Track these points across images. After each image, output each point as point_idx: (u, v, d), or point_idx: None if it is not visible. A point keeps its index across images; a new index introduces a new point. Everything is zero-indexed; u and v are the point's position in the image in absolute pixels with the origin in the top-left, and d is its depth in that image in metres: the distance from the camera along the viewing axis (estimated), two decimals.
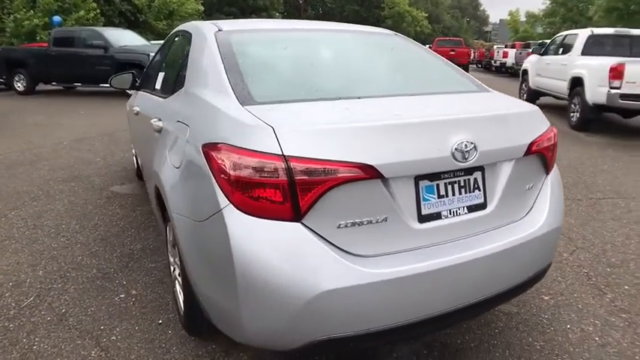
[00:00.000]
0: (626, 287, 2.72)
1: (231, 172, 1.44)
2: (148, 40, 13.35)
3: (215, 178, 1.51)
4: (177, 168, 1.81)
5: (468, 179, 1.71)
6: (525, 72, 10.47)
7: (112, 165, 5.09)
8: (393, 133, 1.53)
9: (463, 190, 1.70)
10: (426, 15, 55.59)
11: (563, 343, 2.21)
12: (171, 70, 2.74)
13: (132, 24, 22.67)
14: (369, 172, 1.45)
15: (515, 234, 1.79)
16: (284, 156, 1.40)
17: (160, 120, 2.24)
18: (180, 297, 2.08)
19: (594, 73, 6.90)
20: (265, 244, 1.43)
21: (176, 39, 2.88)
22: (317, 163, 1.40)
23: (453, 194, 1.68)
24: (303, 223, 1.43)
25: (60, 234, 3.28)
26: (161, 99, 2.48)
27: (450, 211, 1.67)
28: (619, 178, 4.94)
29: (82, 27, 14.43)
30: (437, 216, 1.64)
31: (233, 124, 1.55)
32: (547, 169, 1.97)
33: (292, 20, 2.91)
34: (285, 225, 1.43)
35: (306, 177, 1.40)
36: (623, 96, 6.33)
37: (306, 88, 1.92)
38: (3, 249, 3.03)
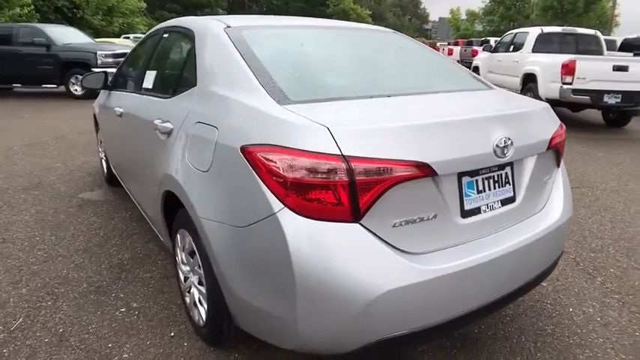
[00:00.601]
0: (612, 270, 2.90)
1: (287, 175, 1.38)
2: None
3: (264, 181, 1.44)
4: (205, 172, 1.69)
5: (501, 174, 1.75)
6: (477, 69, 10.93)
7: (74, 170, 4.75)
8: (443, 131, 1.55)
9: (497, 184, 1.74)
10: (370, 13, 56.73)
11: (570, 325, 2.32)
12: (167, 69, 2.59)
13: (68, 20, 21.31)
14: (424, 171, 1.45)
15: (540, 225, 1.86)
16: (344, 156, 1.36)
17: (166, 121, 2.10)
18: (201, 307, 1.97)
19: (547, 69, 7.31)
20: (324, 247, 1.39)
21: (165, 35, 2.71)
22: (376, 163, 1.38)
23: (489, 189, 1.71)
24: (361, 224, 1.40)
25: (35, 247, 3.01)
26: (160, 99, 2.32)
27: (487, 205, 1.71)
28: (580, 169, 5.27)
29: (21, 24, 13.33)
30: (477, 211, 1.67)
31: (280, 124, 1.49)
32: (558, 163, 2.06)
33: (291, 17, 2.82)
34: (344, 226, 1.39)
35: (366, 177, 1.38)
36: (575, 91, 6.75)
37: (335, 86, 1.88)
38: None
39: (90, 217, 3.52)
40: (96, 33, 19.79)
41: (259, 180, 1.45)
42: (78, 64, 9.70)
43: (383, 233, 1.43)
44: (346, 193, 1.37)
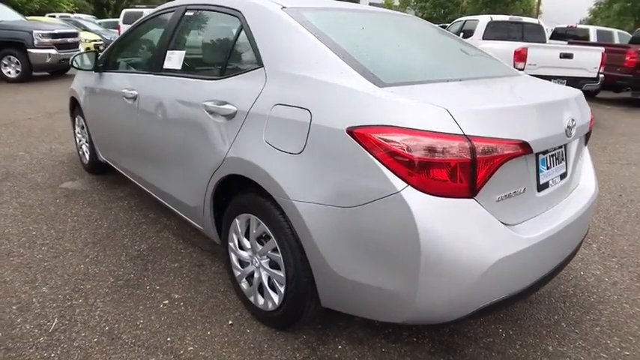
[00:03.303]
0: (601, 237, 3.22)
1: (412, 154, 1.41)
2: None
3: (381, 161, 1.45)
4: (297, 154, 1.65)
5: (560, 152, 1.90)
6: None
7: (42, 159, 4.33)
8: (534, 113, 1.67)
9: (557, 161, 1.89)
10: None
11: (586, 286, 2.56)
12: (205, 50, 2.44)
13: None
14: (525, 149, 1.56)
15: (582, 198, 2.04)
16: (466, 136, 1.42)
17: (223, 103, 1.98)
18: (271, 291, 1.93)
19: (500, 56, 7.74)
20: (447, 221, 1.44)
21: (190, 14, 2.51)
22: (492, 142, 1.46)
23: (553, 165, 1.85)
24: (475, 199, 1.47)
25: (36, 242, 2.74)
26: (204, 81, 2.18)
27: (552, 180, 1.84)
28: None
29: None
30: (547, 185, 1.80)
31: (393, 106, 1.50)
32: (587, 142, 2.26)
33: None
34: (463, 202, 1.46)
35: (484, 155, 1.44)
36: None
37: (413, 70, 1.91)
38: None
39: (84, 208, 3.26)
40: (19, 10, 17.80)
41: (375, 160, 1.46)
42: (11, 44, 8.73)
43: (490, 207, 1.51)
44: (467, 170, 1.43)
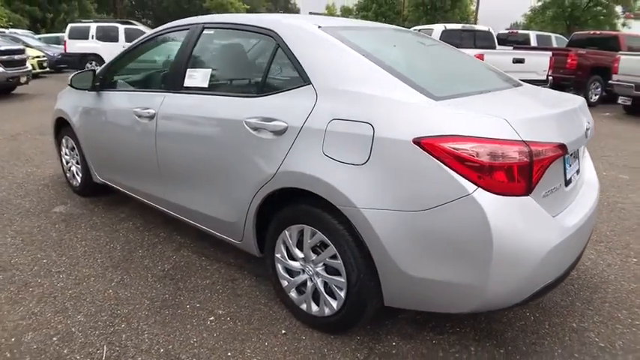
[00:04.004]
0: None
1: (481, 159, 1.57)
2: None
3: (451, 167, 1.59)
4: (361, 165, 1.74)
5: (577, 151, 2.14)
6: None
7: (22, 184, 4.09)
8: (565, 119, 1.90)
9: (575, 159, 2.14)
10: (248, 7, 56.20)
11: (587, 269, 2.83)
12: (236, 68, 2.47)
13: None
14: (564, 150, 1.77)
15: (594, 189, 2.29)
16: (524, 141, 1.60)
17: (270, 120, 2.03)
18: (329, 297, 2.00)
19: None
20: (511, 217, 1.61)
21: (209, 32, 2.52)
22: (543, 146, 1.66)
23: (572, 163, 2.09)
24: (531, 196, 1.66)
25: (51, 270, 2.62)
26: (240, 98, 2.22)
27: (572, 176, 2.07)
28: None
29: None
30: (570, 180, 2.03)
31: (456, 117, 1.67)
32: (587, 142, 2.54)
33: (345, 19, 2.83)
34: (522, 199, 1.63)
35: (538, 157, 1.63)
36: None
37: (451, 84, 2.07)
38: None
39: (89, 232, 3.14)
40: None
41: (444, 166, 1.60)
42: None
43: (540, 202, 1.70)
44: (525, 171, 1.62)
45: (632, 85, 7.99)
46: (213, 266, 2.73)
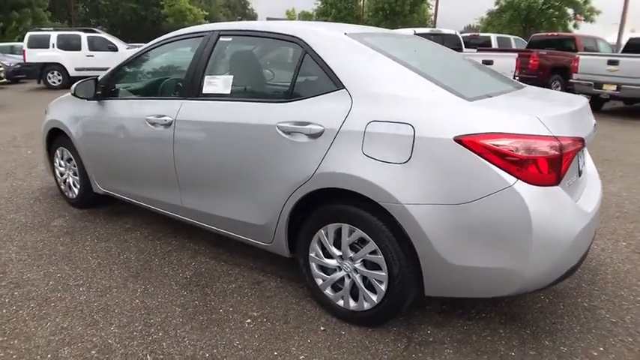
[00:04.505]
0: None
1: (520, 154, 1.71)
2: None
3: (492, 162, 1.72)
4: (403, 163, 1.84)
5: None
6: None
7: (11, 198, 3.92)
8: (579, 116, 2.07)
9: (582, 152, 2.32)
10: (207, 14, 55.51)
11: (596, 256, 3.03)
12: (262, 74, 2.51)
13: None
14: (582, 144, 1.94)
15: (596, 180, 2.50)
16: (555, 137, 1.76)
17: (304, 124, 2.09)
18: (368, 292, 2.08)
19: None
20: (546, 205, 1.76)
21: (226, 39, 2.54)
22: (568, 140, 1.82)
23: (581, 157, 2.27)
24: (560, 186, 1.81)
25: (69, 284, 2.55)
26: (267, 104, 2.27)
27: (581, 167, 2.26)
28: None
29: None
30: (581, 172, 2.21)
31: (493, 116, 1.81)
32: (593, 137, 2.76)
33: (361, 25, 2.90)
34: (553, 189, 1.79)
35: (567, 151, 1.79)
36: None
37: (473, 85, 2.20)
38: (10, 316, 2.22)
39: (97, 244, 3.07)
40: None
41: (485, 161, 1.72)
42: None
43: (566, 191, 1.87)
44: (556, 163, 1.77)
45: (591, 83, 8.55)
46: (235, 270, 2.74)
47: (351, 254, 2.10)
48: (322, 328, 2.19)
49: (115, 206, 3.70)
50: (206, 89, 2.54)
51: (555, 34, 12.90)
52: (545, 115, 1.84)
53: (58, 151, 3.67)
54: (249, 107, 2.34)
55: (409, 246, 1.91)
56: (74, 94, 3.09)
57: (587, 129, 2.09)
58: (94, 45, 12.62)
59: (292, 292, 2.50)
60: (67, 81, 12.55)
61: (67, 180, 3.68)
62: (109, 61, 12.66)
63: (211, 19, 61.45)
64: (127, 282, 2.60)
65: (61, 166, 3.71)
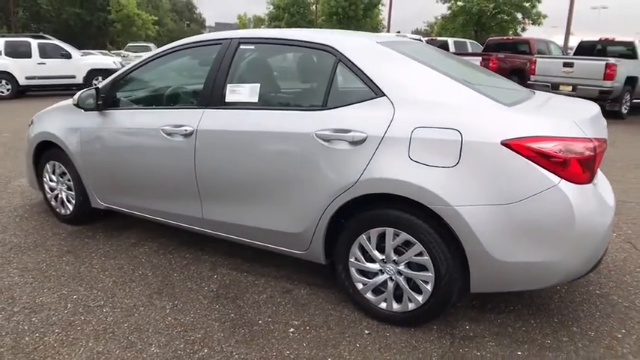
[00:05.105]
0: None
1: (563, 155, 1.84)
2: None
3: (538, 163, 1.84)
4: (452, 167, 1.92)
5: None
6: None
7: None
8: (598, 119, 2.23)
9: None
10: (156, 19, 53.94)
11: None
12: (292, 82, 2.49)
13: None
14: (606, 144, 2.10)
15: (603, 177, 2.67)
16: (589, 138, 1.91)
17: (344, 131, 2.12)
18: (413, 293, 2.13)
19: None
20: (585, 200, 1.91)
21: (247, 47, 2.52)
22: (599, 141, 1.97)
23: None
24: (592, 184, 1.97)
25: (90, 305, 2.42)
26: (305, 112, 2.29)
27: None
28: None
29: None
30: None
31: (535, 121, 1.94)
32: None
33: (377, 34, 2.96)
34: (588, 186, 1.95)
35: (598, 151, 1.94)
36: None
37: (502, 91, 2.32)
38: (36, 344, 2.08)
39: (106, 261, 2.93)
40: None
41: (532, 163, 1.84)
42: None
43: (594, 187, 2.02)
44: (592, 163, 1.92)
45: (549, 84, 9.11)
46: (260, 281, 2.71)
47: (395, 257, 2.15)
48: (367, 332, 2.21)
49: (112, 221, 3.54)
50: (229, 98, 2.50)
51: (510, 37, 13.62)
52: (577, 119, 1.99)
53: (48, 165, 3.47)
54: (282, 116, 2.33)
55: (456, 246, 1.98)
56: (77, 105, 2.93)
57: (604, 130, 2.26)
58: (46, 52, 11.92)
59: (325, 298, 2.51)
60: (17, 90, 11.79)
61: (59, 196, 3.48)
62: (62, 69, 12.10)
63: (159, 25, 59.81)
64: (152, 299, 2.50)
65: (51, 180, 3.50)
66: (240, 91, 2.47)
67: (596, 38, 10.70)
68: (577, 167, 1.88)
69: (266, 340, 2.15)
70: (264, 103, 2.47)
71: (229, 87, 2.51)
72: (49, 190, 3.56)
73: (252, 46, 2.57)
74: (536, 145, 1.85)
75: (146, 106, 2.96)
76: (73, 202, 3.39)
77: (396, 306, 2.20)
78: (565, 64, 9.14)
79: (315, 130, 2.19)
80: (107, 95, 2.99)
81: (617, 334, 2.24)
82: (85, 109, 2.97)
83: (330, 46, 2.29)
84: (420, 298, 2.13)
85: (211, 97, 2.56)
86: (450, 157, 1.93)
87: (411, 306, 2.16)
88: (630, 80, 9.05)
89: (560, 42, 16.92)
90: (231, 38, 2.59)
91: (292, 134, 2.26)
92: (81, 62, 12.24)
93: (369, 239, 2.18)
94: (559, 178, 1.85)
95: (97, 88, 2.98)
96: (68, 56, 12.03)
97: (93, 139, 3.06)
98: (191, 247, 3.13)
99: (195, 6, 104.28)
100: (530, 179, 1.85)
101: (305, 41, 2.38)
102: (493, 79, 2.80)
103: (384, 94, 2.11)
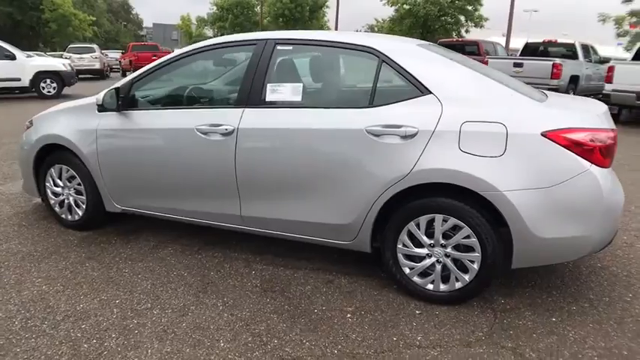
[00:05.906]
0: None
1: (593, 144, 2.12)
2: None
3: (572, 150, 2.11)
4: (498, 156, 2.15)
5: None
6: None
7: None
8: (607, 114, 2.49)
9: None
10: (94, 19, 51.17)
11: None
12: (337, 82, 2.66)
13: None
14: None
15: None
16: (611, 129, 2.23)
17: (395, 127, 2.28)
18: (460, 272, 2.34)
19: None
20: (609, 183, 2.21)
21: (284, 48, 2.61)
22: (615, 131, 2.28)
23: None
24: (611, 168, 2.28)
25: (138, 309, 2.39)
26: (354, 110, 2.42)
27: None
28: None
29: None
30: None
31: (568, 114, 2.25)
32: None
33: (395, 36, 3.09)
34: (608, 170, 2.24)
35: (615, 139, 2.25)
36: None
37: (524, 89, 2.55)
38: (98, 350, 2.05)
39: (134, 265, 2.87)
40: None
41: (567, 151, 2.11)
42: None
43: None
44: (612, 150, 2.22)
45: None
46: (299, 273, 2.79)
47: (443, 241, 2.33)
48: (418, 312, 2.38)
49: (123, 225, 3.46)
50: (270, 97, 2.57)
51: (459, 39, 14.38)
52: (598, 112, 2.30)
53: (53, 170, 3.32)
54: (329, 113, 2.44)
55: (500, 227, 2.20)
56: (102, 106, 2.86)
57: (613, 123, 2.56)
58: None
59: (367, 285, 2.64)
60: None
61: (66, 201, 3.35)
62: (5, 70, 11.25)
63: (96, 25, 56.78)
64: (200, 298, 2.51)
65: (56, 185, 3.36)
66: (281, 91, 2.55)
67: (539, 40, 11.64)
68: (602, 154, 2.16)
69: (329, 327, 2.25)
70: (308, 101, 2.56)
71: (269, 86, 2.57)
72: (52, 196, 3.41)
73: (290, 47, 2.65)
74: (570, 136, 2.12)
75: (175, 106, 2.94)
76: (83, 206, 3.28)
77: (442, 286, 2.39)
78: (515, 64, 9.89)
79: (365, 126, 2.32)
80: (126, 95, 2.94)
81: (626, 298, 2.57)
82: (110, 111, 2.90)
83: (373, 48, 2.44)
84: (466, 277, 2.33)
85: (250, 97, 2.61)
86: (497, 147, 2.15)
87: (457, 285, 2.35)
88: (573, 79, 9.96)
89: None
90: (267, 39, 2.66)
91: (342, 130, 2.38)
92: (27, 64, 11.43)
93: (417, 226, 2.35)
94: (590, 163, 2.13)
95: (117, 89, 2.91)
96: (12, 57, 11.20)
97: (112, 140, 2.99)
98: (217, 246, 3.14)
99: (132, 6, 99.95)
100: (567, 165, 2.12)
101: (347, 43, 2.52)
102: (509, 79, 3.07)
103: (431, 92, 2.29)
